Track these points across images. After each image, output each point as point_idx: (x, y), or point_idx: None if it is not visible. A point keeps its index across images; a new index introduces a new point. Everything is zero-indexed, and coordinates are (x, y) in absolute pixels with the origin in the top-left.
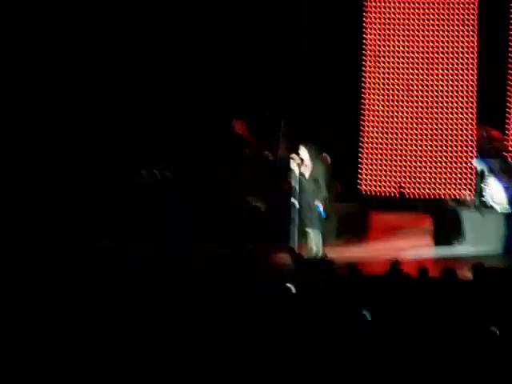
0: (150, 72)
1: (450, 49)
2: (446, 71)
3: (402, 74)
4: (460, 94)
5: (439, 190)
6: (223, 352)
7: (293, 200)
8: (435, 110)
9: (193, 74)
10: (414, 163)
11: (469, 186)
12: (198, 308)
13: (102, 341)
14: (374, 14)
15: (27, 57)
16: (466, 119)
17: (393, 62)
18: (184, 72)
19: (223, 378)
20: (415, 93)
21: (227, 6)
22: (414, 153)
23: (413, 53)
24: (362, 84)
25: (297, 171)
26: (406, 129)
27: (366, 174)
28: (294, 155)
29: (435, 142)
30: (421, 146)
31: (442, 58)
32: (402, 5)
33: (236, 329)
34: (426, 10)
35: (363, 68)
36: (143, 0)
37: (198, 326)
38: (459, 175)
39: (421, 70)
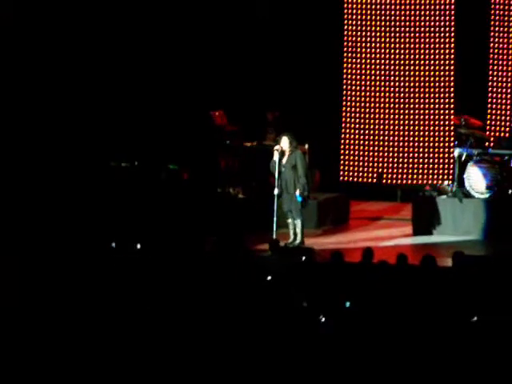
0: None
1: (429, 38)
2: (424, 60)
3: (381, 63)
4: (439, 83)
5: (418, 178)
6: (204, 338)
7: (274, 189)
8: (414, 99)
9: (172, 62)
10: (393, 152)
11: (448, 175)
12: (180, 298)
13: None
14: (353, 4)
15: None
16: (445, 108)
17: (372, 52)
18: (163, 59)
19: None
20: (394, 82)
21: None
22: (393, 142)
23: (391, 42)
24: (342, 74)
25: (277, 160)
26: (386, 118)
27: (346, 163)
28: (276, 146)
29: (414, 131)
30: (400, 134)
31: (421, 47)
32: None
33: (216, 317)
34: (405, 2)
35: (342, 58)
36: (140, 5)
37: (178, 315)
38: (438, 164)
39: (399, 60)
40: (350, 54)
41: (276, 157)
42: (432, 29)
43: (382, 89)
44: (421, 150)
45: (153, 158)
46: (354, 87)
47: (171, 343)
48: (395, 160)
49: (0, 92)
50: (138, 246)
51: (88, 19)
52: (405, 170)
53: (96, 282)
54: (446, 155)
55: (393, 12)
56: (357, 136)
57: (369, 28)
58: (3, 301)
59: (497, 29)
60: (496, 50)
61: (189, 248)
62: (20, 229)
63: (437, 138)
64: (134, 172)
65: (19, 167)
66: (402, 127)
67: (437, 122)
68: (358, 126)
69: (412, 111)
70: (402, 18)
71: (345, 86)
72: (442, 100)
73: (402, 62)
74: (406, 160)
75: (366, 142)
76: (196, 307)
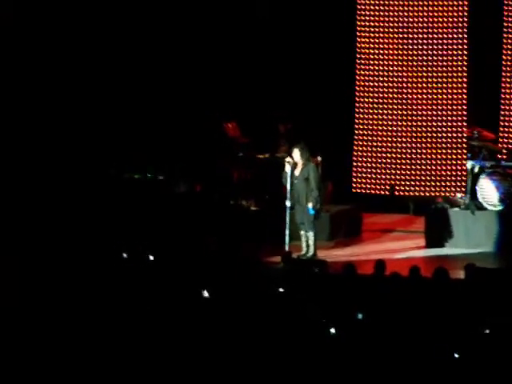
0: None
1: (441, 50)
2: (437, 72)
3: (394, 74)
4: (451, 95)
5: (431, 190)
6: (212, 351)
7: (286, 201)
8: (426, 111)
9: (186, 73)
10: (405, 164)
11: (460, 187)
12: (188, 307)
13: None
14: (366, 16)
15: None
16: (457, 120)
17: (384, 64)
18: (177, 71)
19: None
20: (407, 94)
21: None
22: (405, 154)
23: (404, 54)
24: (354, 85)
25: (289, 172)
26: (398, 130)
27: (358, 175)
28: (288, 158)
29: (427, 143)
30: (412, 146)
31: (433, 59)
32: (395, 7)
33: (225, 328)
34: (418, 11)
35: (355, 69)
36: (145, 13)
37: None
38: (451, 176)
39: (412, 71)
40: (362, 66)
41: (288, 169)
42: (445, 41)
43: (395, 100)
44: (433, 162)
45: (166, 169)
46: (366, 99)
47: (179, 354)
48: (407, 172)
49: (1, 93)
50: (151, 258)
51: (91, 24)
52: (417, 183)
53: (101, 287)
54: (459, 167)
55: (405, 24)
56: (369, 148)
57: (381, 40)
58: (3, 301)
59: (510, 41)
60: (509, 63)
61: (200, 259)
62: (26, 235)
63: (449, 151)
64: (147, 184)
65: (26, 177)
66: (414, 139)
67: (449, 135)
68: (370, 137)
69: (424, 123)
70: (415, 30)
71: (357, 98)
72: (454, 112)
73: (415, 73)
74: (418, 172)
75: (379, 154)
76: (207, 318)
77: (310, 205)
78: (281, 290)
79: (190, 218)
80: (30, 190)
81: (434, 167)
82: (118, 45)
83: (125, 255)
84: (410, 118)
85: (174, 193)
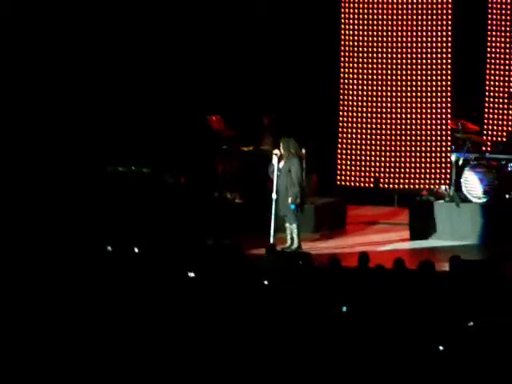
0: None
1: (425, 42)
2: (421, 65)
3: (378, 67)
4: (435, 87)
5: (415, 183)
6: (200, 344)
7: (272, 193)
8: (411, 103)
9: (170, 67)
10: (390, 157)
11: (445, 179)
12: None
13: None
14: (350, 7)
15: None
16: (442, 112)
17: (369, 56)
18: (161, 64)
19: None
20: (391, 87)
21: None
22: (390, 146)
23: (389, 46)
24: (339, 78)
25: (276, 165)
26: (382, 122)
27: (343, 168)
28: (275, 150)
29: (411, 136)
30: (397, 139)
31: (418, 51)
32: (379, 1)
33: (214, 321)
34: (403, 4)
35: (339, 62)
36: (138, 9)
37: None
38: (435, 168)
39: (396, 64)
40: (347, 59)
41: (275, 161)
42: (429, 33)
43: (379, 93)
44: (418, 154)
45: (150, 162)
46: (350, 91)
47: (170, 346)
48: (392, 164)
49: (1, 94)
50: (136, 250)
51: (89, 24)
52: (402, 175)
53: (94, 282)
54: (443, 160)
55: (390, 17)
56: (354, 140)
57: (366, 33)
58: (3, 301)
59: (494, 33)
60: (493, 55)
61: (186, 252)
62: (20, 230)
63: (434, 143)
64: (131, 177)
65: (20, 169)
66: (398, 131)
67: (434, 127)
68: (354, 130)
69: (409, 116)
70: (399, 23)
71: (341, 91)
72: (438, 105)
73: (399, 66)
74: (403, 164)
75: (363, 147)
76: (193, 312)
77: (290, 200)
78: (265, 282)
79: (175, 211)
80: (18, 185)
81: (418, 159)
82: (109, 40)
83: (109, 248)
84: (394, 111)
85: (158, 186)
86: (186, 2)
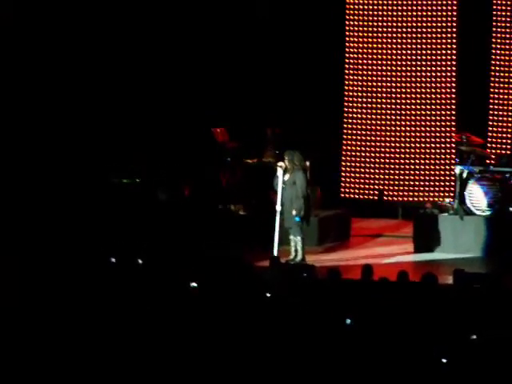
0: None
1: (430, 55)
2: (426, 77)
3: (383, 80)
4: (440, 100)
5: (419, 195)
6: (202, 351)
7: (276, 205)
8: (415, 116)
9: (174, 79)
10: (394, 169)
11: (449, 192)
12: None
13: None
14: (355, 20)
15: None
16: (446, 125)
17: (373, 69)
18: (165, 75)
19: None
20: (395, 99)
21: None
22: (394, 159)
23: (393, 59)
24: (343, 90)
25: (281, 177)
26: (387, 135)
27: (347, 180)
28: (280, 162)
29: (415, 148)
30: (401, 152)
31: (422, 64)
32: (384, 11)
33: (217, 332)
34: (407, 16)
35: (344, 74)
36: (140, 15)
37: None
38: (439, 181)
39: (401, 77)
40: (351, 71)
41: (279, 173)
42: (434, 46)
43: (384, 106)
44: (422, 167)
45: (155, 174)
46: (354, 104)
47: (172, 357)
48: (396, 177)
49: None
50: (140, 262)
51: (90, 25)
52: (406, 188)
53: (95, 289)
54: (447, 172)
55: (394, 29)
56: (358, 153)
57: (370, 45)
58: (3, 301)
59: (498, 46)
60: (497, 68)
61: (189, 263)
62: (23, 238)
63: (438, 156)
64: (136, 188)
65: (23, 179)
66: (403, 144)
67: (438, 140)
68: (358, 142)
69: (413, 128)
70: (404, 35)
71: (346, 103)
72: (443, 117)
73: (404, 79)
74: (407, 177)
75: (367, 159)
76: (196, 323)
77: (294, 212)
78: (268, 294)
79: (179, 223)
80: (20, 192)
81: (422, 172)
82: (111, 46)
83: (113, 260)
84: (398, 124)
85: (161, 198)
86: (192, 11)
